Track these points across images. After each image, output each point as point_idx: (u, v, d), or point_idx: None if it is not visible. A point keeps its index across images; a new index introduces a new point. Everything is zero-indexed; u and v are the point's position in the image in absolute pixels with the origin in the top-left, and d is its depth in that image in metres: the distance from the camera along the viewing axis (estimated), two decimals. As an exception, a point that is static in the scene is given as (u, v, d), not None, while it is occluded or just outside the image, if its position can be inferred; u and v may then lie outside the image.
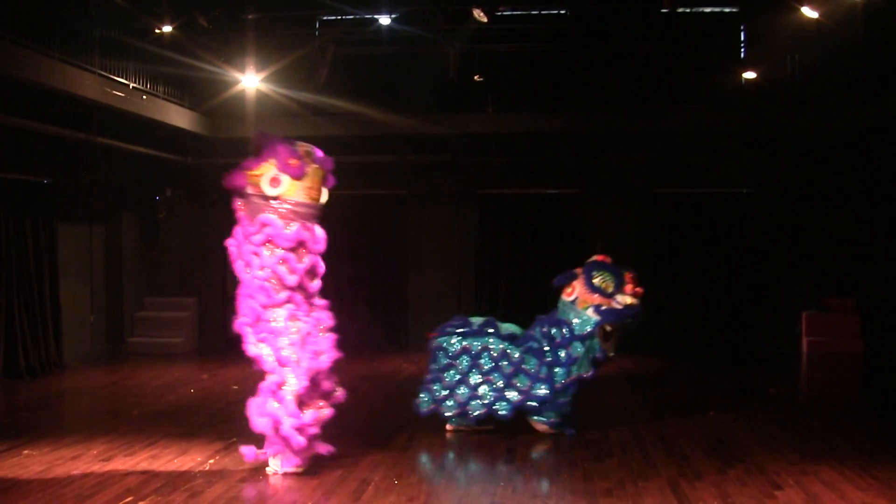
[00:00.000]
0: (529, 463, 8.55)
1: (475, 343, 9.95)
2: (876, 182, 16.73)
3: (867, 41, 15.12)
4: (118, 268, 16.46)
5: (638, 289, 9.75)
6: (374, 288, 18.15)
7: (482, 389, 9.81)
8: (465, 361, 9.92)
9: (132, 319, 17.18)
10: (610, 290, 9.63)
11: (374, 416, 10.87)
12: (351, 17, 15.78)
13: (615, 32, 16.19)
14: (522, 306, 17.78)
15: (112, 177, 15.89)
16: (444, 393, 9.92)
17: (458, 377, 9.90)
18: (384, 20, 14.88)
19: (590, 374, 9.70)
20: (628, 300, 9.64)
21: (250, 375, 14.06)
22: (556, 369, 9.67)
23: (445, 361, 9.98)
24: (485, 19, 13.58)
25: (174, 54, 14.81)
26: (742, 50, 17.33)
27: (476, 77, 16.82)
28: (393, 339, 18.00)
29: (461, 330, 10.10)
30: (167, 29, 14.00)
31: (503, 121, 17.49)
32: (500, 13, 15.03)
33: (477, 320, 10.23)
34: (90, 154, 14.80)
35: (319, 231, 8.48)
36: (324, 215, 8.46)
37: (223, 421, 10.52)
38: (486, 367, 9.85)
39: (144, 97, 14.77)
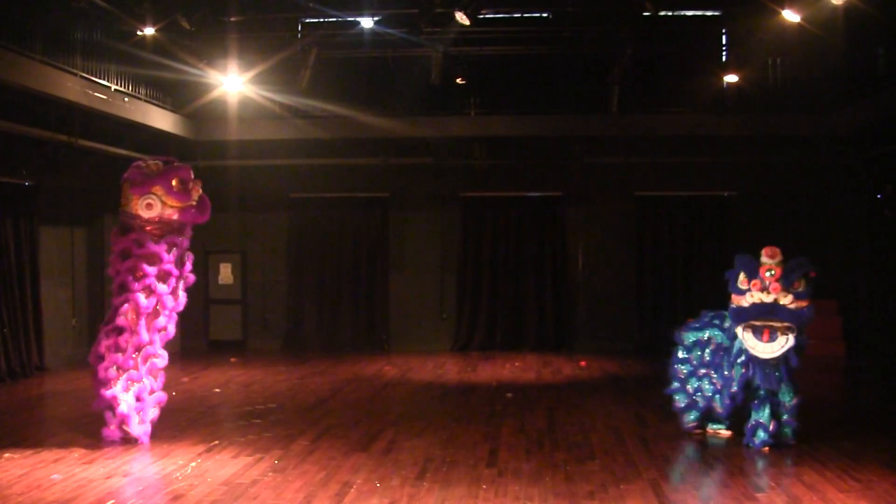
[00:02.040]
0: (512, 465, 8.55)
1: (704, 335, 9.94)
2: (857, 185, 16.82)
3: (848, 45, 15.21)
4: (100, 271, 16.34)
5: (775, 285, 9.10)
6: (357, 290, 18.12)
7: (705, 382, 9.83)
8: (696, 354, 9.93)
9: (113, 322, 17.01)
10: (744, 287, 9.29)
11: (356, 418, 10.85)
12: (333, 19, 15.74)
13: (597, 35, 16.23)
14: (505, 308, 17.86)
15: (94, 179, 15.80)
16: (676, 386, 9.99)
17: (689, 370, 9.94)
18: (367, 23, 14.85)
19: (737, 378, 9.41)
20: (756, 298, 9.16)
21: (232, 379, 14.12)
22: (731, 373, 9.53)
23: (683, 356, 10.03)
24: (467, 22, 13.58)
25: (156, 57, 14.75)
26: (724, 53, 17.39)
27: (459, 80, 16.83)
28: (375, 341, 17.98)
29: (695, 324, 10.11)
30: (149, 31, 13.92)
31: (486, 123, 17.53)
32: (482, 16, 15.06)
33: (709, 314, 10.14)
34: (72, 156, 14.72)
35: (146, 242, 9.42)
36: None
37: (205, 424, 10.48)
38: (707, 359, 9.84)
39: (126, 99, 14.72)
